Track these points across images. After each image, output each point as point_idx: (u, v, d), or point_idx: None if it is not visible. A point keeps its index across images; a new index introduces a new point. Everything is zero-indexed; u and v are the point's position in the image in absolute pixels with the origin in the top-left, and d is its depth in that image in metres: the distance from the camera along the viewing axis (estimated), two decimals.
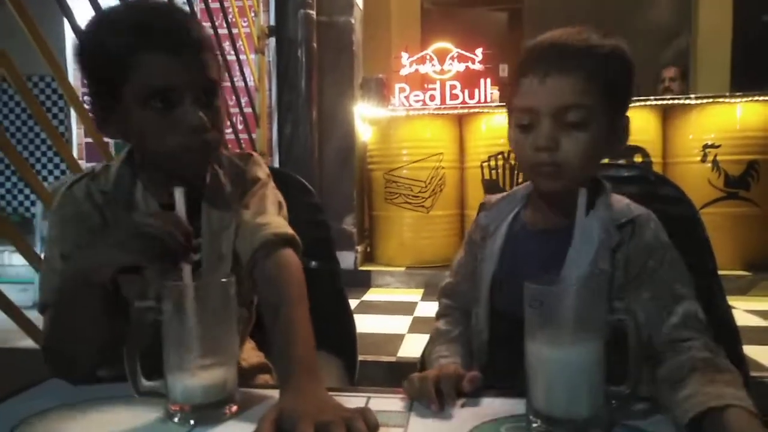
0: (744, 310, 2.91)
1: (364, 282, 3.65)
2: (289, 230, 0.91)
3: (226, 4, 3.04)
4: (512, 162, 3.54)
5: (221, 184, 0.94)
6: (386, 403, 0.73)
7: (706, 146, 3.44)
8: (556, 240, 0.83)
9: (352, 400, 0.72)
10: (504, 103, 0.89)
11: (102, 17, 0.86)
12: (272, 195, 0.97)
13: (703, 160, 3.45)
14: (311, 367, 0.74)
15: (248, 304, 1.02)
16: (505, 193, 0.98)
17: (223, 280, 0.70)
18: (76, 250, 0.84)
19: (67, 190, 0.89)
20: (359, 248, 3.83)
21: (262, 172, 1.00)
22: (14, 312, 1.45)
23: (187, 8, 2.58)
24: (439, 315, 1.01)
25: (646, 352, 0.74)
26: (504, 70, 5.46)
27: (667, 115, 3.61)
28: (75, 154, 3.80)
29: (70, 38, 3.85)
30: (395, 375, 2.15)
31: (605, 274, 0.80)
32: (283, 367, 0.75)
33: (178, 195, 0.73)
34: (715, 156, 3.42)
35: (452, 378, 0.74)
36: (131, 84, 0.80)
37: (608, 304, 0.65)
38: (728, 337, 1.00)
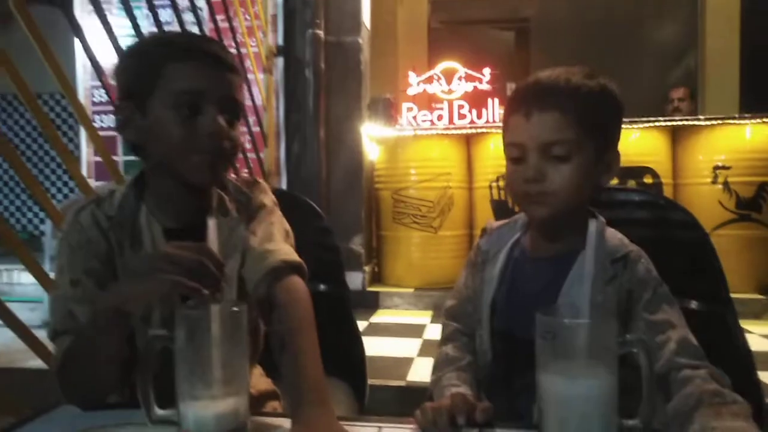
0: (759, 335, 2.87)
1: (372, 303, 3.63)
2: (297, 258, 0.92)
3: (234, 24, 3.07)
4: None
5: (227, 209, 0.94)
6: None
7: (716, 167, 3.42)
8: (554, 268, 0.88)
9: (363, 430, 0.71)
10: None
11: (140, 39, 0.95)
12: (279, 223, 0.98)
13: (714, 182, 3.43)
14: (321, 396, 0.74)
15: (253, 330, 1.01)
16: (506, 220, 1.02)
17: (235, 308, 0.69)
18: (111, 284, 0.84)
19: (74, 217, 0.91)
20: (367, 269, 3.81)
21: (269, 199, 1.01)
22: (23, 331, 1.45)
23: (196, 28, 2.61)
24: (446, 339, 1.02)
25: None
26: (511, 89, 5.48)
27: (676, 135, 3.60)
28: (84, 172, 3.83)
29: (80, 57, 3.91)
30: (405, 400, 2.13)
31: (606, 309, 0.83)
32: (294, 397, 0.75)
33: (211, 225, 0.73)
34: (726, 177, 3.40)
35: (465, 408, 0.73)
36: (160, 92, 0.84)
37: (620, 337, 0.65)
38: (743, 363, 0.99)
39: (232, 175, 1.01)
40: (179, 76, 0.84)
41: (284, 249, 0.92)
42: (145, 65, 0.86)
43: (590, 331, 0.62)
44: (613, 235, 0.90)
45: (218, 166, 0.88)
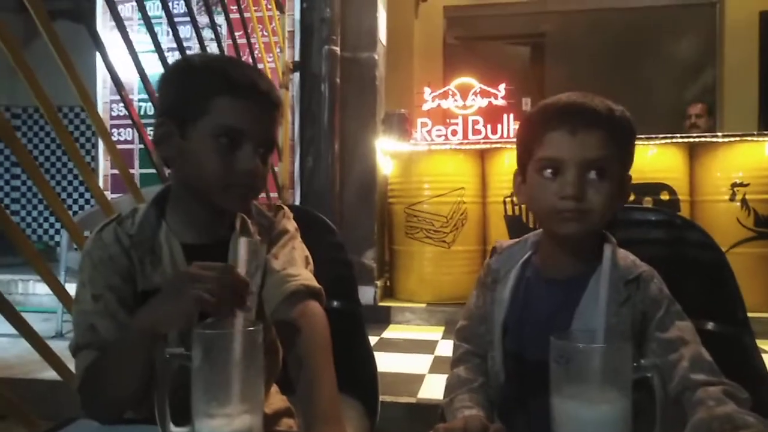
0: None
1: (383, 318, 3.62)
2: (316, 283, 0.94)
3: (252, 40, 3.11)
4: None
5: (250, 233, 0.96)
6: None
7: (734, 185, 3.38)
8: (567, 289, 0.88)
9: None
10: (517, 156, 0.96)
11: (194, 58, 0.96)
12: (300, 249, 1.00)
13: (732, 199, 3.39)
14: (335, 415, 0.75)
15: (275, 352, 1.01)
16: (516, 240, 1.01)
17: (251, 328, 0.69)
18: (141, 307, 0.84)
19: (96, 235, 0.92)
20: (379, 283, 3.80)
21: (291, 225, 1.03)
22: (37, 342, 1.46)
23: (214, 44, 2.65)
24: (458, 361, 1.01)
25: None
26: (527, 104, 5.46)
27: (694, 152, 3.57)
28: (101, 184, 3.88)
29: (101, 71, 3.97)
30: (415, 417, 2.10)
31: (621, 332, 0.83)
32: (307, 415, 0.76)
33: (242, 246, 0.74)
34: (744, 195, 3.36)
35: (479, 430, 0.72)
36: (204, 120, 0.86)
37: (634, 362, 0.64)
38: (760, 384, 0.97)
39: (261, 197, 1.03)
40: (227, 111, 0.86)
41: (304, 274, 0.94)
42: (196, 91, 0.87)
43: (604, 355, 0.62)
44: (626, 255, 0.90)
45: (249, 198, 0.92)
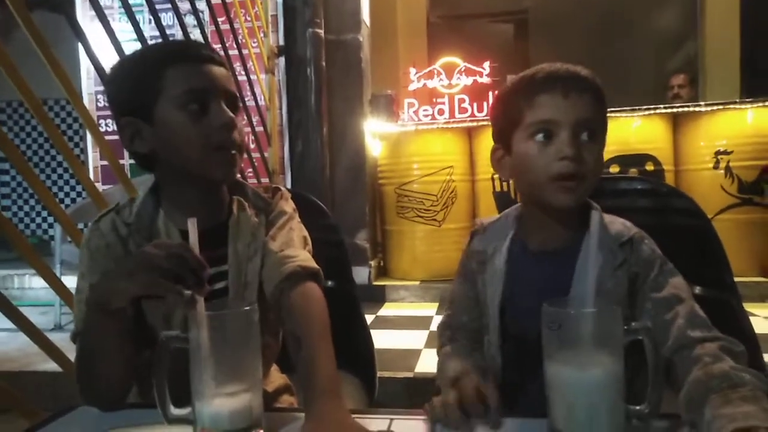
0: (763, 317, 2.88)
1: (378, 297, 3.65)
2: (314, 264, 0.95)
3: (236, 26, 3.08)
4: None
5: (247, 214, 0.97)
6: (409, 426, 0.73)
7: (718, 153, 3.42)
8: (558, 261, 0.87)
9: (375, 422, 0.73)
10: (495, 131, 0.96)
11: (127, 55, 0.94)
12: (298, 230, 1.01)
13: (716, 167, 3.42)
14: (335, 391, 0.76)
15: (275, 333, 1.03)
16: (495, 217, 1.00)
17: (246, 307, 0.70)
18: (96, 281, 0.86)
19: (94, 224, 0.94)
20: (373, 263, 3.83)
21: (289, 206, 1.04)
22: (36, 335, 1.47)
23: (197, 30, 2.63)
24: (443, 344, 1.00)
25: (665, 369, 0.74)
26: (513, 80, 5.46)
27: (677, 122, 3.60)
28: (91, 176, 3.85)
29: (85, 62, 3.93)
30: (413, 391, 2.15)
31: (618, 295, 0.83)
32: (307, 392, 0.77)
33: (191, 225, 0.73)
34: (728, 162, 3.40)
35: (473, 395, 0.74)
36: (164, 97, 0.87)
37: (625, 324, 0.65)
38: (748, 346, 1.00)
39: (253, 182, 1.03)
40: (181, 77, 0.86)
41: (302, 255, 0.95)
42: (144, 75, 0.88)
43: (595, 320, 0.63)
44: (613, 220, 0.90)
45: (236, 159, 0.90)
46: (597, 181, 0.88)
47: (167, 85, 0.86)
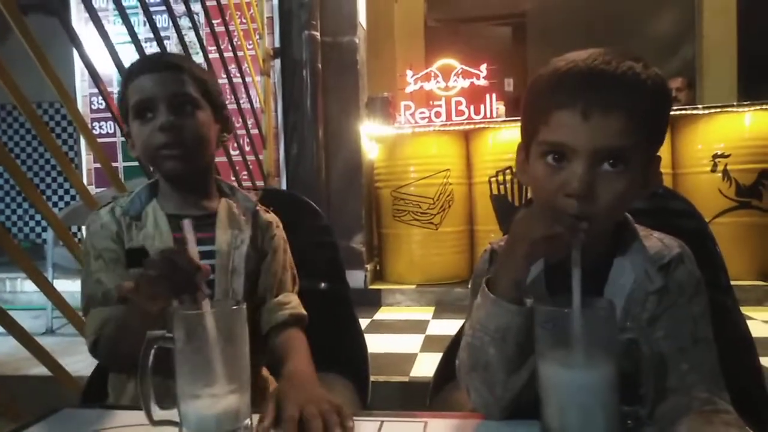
0: (761, 321, 2.87)
1: (374, 301, 3.63)
2: (301, 310, 1.09)
3: (231, 28, 3.07)
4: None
5: (232, 211, 1.08)
6: (400, 428, 0.72)
7: (715, 156, 3.42)
8: (584, 285, 0.77)
9: (365, 425, 0.71)
10: (521, 127, 0.81)
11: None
12: (290, 267, 1.13)
13: (713, 170, 3.42)
14: (308, 371, 0.93)
15: (262, 335, 1.07)
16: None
17: (234, 307, 0.69)
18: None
19: (94, 213, 1.06)
20: (369, 267, 3.82)
21: (282, 234, 1.14)
22: (26, 339, 1.45)
23: (192, 33, 2.62)
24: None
25: (660, 372, 0.72)
26: (509, 85, 5.46)
27: (675, 125, 3.60)
28: (84, 179, 3.84)
29: (79, 65, 3.91)
30: (408, 396, 2.13)
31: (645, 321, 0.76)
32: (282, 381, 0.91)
33: (187, 226, 0.78)
34: (726, 166, 3.40)
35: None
36: (130, 107, 1.01)
37: (620, 325, 0.64)
38: (745, 350, 0.99)
39: (248, 185, 1.10)
40: (135, 90, 1.00)
41: (293, 302, 1.09)
42: (121, 92, 1.04)
43: (588, 319, 0.62)
44: (653, 237, 0.80)
45: (179, 154, 0.99)
46: (630, 203, 0.76)
47: (129, 97, 1.01)
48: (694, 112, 3.51)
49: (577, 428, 0.62)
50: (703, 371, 0.73)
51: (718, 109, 3.47)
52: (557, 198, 0.72)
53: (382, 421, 0.74)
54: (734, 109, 3.46)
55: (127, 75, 1.03)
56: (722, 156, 3.41)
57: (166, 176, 1.05)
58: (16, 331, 1.42)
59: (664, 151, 3.51)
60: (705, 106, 3.55)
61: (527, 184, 0.80)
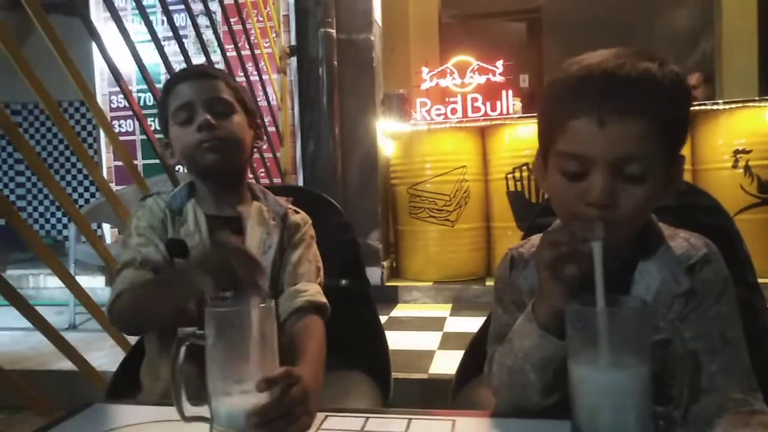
0: None
1: (391, 298, 3.64)
2: (322, 299, 1.08)
3: (248, 26, 3.09)
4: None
5: (263, 215, 1.12)
6: (428, 425, 0.72)
7: (736, 152, 3.37)
8: (608, 288, 0.77)
9: (393, 422, 0.71)
10: (537, 135, 0.79)
11: None
12: (315, 260, 1.14)
13: (735, 166, 3.37)
14: (311, 370, 0.89)
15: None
16: (529, 244, 0.88)
17: (262, 305, 0.70)
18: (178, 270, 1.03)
19: (139, 203, 1.13)
20: (385, 264, 3.82)
21: (311, 231, 1.17)
22: (52, 334, 1.48)
23: (210, 31, 2.64)
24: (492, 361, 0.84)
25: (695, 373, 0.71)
26: (525, 81, 5.43)
27: (694, 121, 3.54)
28: (105, 176, 3.87)
29: (98, 64, 3.95)
30: (427, 393, 2.13)
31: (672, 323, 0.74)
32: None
33: (251, 230, 0.95)
34: (747, 161, 3.35)
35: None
36: (170, 113, 1.09)
37: (653, 324, 0.63)
38: None
39: (265, 182, 1.12)
40: (173, 98, 1.09)
41: (312, 290, 1.08)
42: (162, 102, 1.12)
43: (620, 318, 0.61)
44: (673, 235, 0.79)
45: (218, 148, 1.06)
46: (641, 222, 0.74)
47: (169, 104, 1.09)
48: (715, 107, 3.46)
49: (608, 428, 0.61)
50: (734, 372, 0.72)
51: (739, 104, 3.42)
52: (578, 207, 0.70)
53: (410, 419, 0.74)
54: (755, 104, 3.40)
55: (167, 85, 1.11)
56: (743, 152, 3.36)
57: (205, 171, 1.09)
58: (42, 326, 1.44)
59: (684, 147, 3.48)
60: (725, 101, 3.50)
61: (547, 192, 0.79)
